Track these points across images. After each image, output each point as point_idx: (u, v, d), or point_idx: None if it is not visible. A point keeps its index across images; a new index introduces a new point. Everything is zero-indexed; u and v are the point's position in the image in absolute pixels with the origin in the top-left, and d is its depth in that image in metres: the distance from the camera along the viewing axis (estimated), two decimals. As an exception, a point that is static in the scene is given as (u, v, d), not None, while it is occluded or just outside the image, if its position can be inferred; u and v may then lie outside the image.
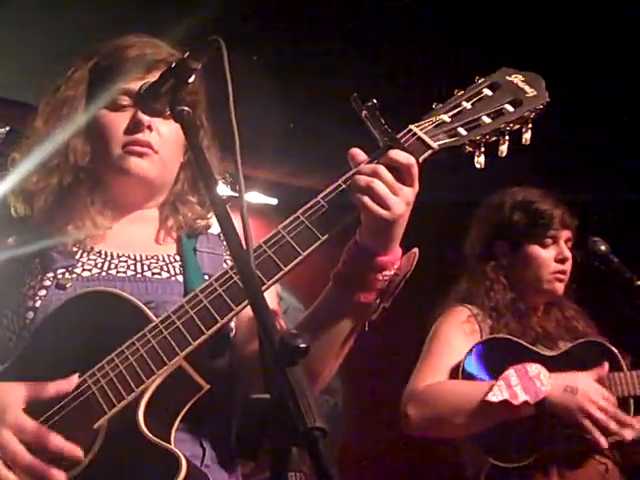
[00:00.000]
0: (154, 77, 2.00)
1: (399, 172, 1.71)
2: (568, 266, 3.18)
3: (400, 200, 1.71)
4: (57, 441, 1.65)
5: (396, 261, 1.79)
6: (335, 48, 4.54)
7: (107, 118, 2.03)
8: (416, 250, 1.82)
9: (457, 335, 2.99)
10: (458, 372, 2.88)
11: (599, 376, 2.82)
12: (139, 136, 2.00)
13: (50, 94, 2.11)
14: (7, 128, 3.11)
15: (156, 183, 2.08)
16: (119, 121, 2.01)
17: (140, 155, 2.00)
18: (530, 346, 2.95)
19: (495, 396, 2.66)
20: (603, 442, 2.72)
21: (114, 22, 2.12)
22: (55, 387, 1.69)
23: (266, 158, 5.26)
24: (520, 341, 2.95)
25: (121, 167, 2.00)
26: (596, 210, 3.27)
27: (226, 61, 1.59)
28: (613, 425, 2.71)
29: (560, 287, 3.17)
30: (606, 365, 2.88)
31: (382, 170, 1.71)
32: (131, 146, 2.00)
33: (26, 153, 2.05)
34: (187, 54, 1.68)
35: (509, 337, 2.96)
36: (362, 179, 1.71)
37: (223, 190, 1.88)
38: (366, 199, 1.69)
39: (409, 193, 1.73)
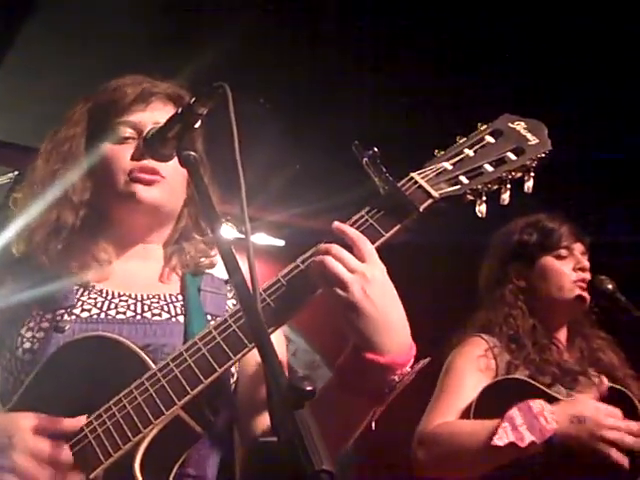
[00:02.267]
0: (154, 109, 2.06)
1: (350, 247, 1.67)
2: (588, 276, 3.11)
3: (356, 278, 1.62)
4: (70, 456, 1.65)
5: (395, 365, 1.65)
6: (342, 90, 4.56)
7: (111, 151, 2.04)
8: (427, 360, 1.73)
9: (471, 372, 2.92)
10: (470, 412, 2.81)
11: (600, 393, 2.76)
12: (145, 162, 2.00)
13: (51, 135, 2.13)
14: (16, 172, 3.13)
15: (164, 211, 2.08)
16: (123, 152, 2.03)
17: (147, 183, 2.01)
18: (545, 388, 2.85)
19: (501, 439, 2.59)
20: (624, 462, 2.64)
21: (119, 68, 2.14)
22: (63, 423, 1.68)
23: (273, 200, 5.28)
24: (534, 383, 2.86)
25: (128, 194, 2.00)
26: (600, 251, 3.22)
27: (231, 107, 1.58)
28: (628, 439, 2.65)
29: (585, 296, 3.08)
30: (604, 380, 2.82)
31: (336, 247, 1.66)
32: (137, 173, 2.00)
33: (27, 192, 2.06)
34: (193, 100, 1.69)
35: (523, 378, 2.87)
36: (317, 258, 1.67)
37: (229, 232, 1.87)
38: (322, 280, 1.65)
39: (366, 270, 1.63)
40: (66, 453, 1.65)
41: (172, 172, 2.03)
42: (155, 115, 2.04)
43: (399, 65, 4.29)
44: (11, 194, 2.14)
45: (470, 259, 3.36)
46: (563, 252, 3.11)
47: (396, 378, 1.66)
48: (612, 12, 3.90)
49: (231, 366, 1.70)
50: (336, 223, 1.70)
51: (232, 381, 1.97)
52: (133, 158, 2.02)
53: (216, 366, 1.67)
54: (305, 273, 1.70)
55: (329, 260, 1.64)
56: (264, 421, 1.92)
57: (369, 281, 1.63)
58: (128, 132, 2.04)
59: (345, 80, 4.50)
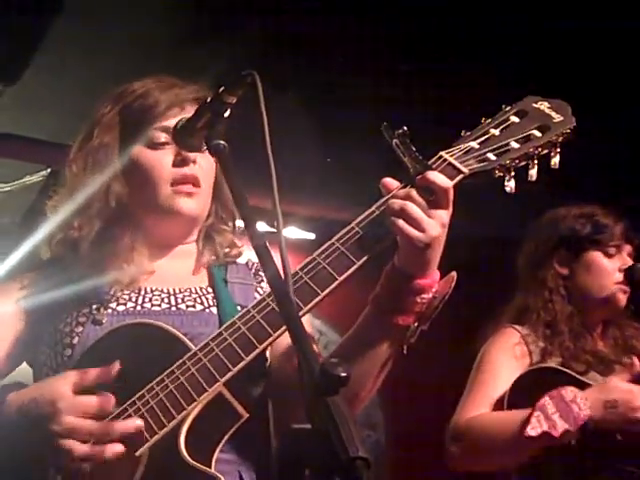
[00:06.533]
0: (188, 113, 2.03)
1: (434, 194, 1.74)
2: None
3: (435, 222, 1.73)
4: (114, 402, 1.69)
5: (434, 284, 1.80)
6: (370, 81, 4.57)
7: (149, 157, 2.07)
8: (454, 274, 1.83)
9: (505, 361, 2.91)
10: (503, 403, 2.80)
11: (632, 375, 2.74)
12: (186, 170, 2.04)
13: (82, 140, 2.14)
14: (48, 170, 3.18)
15: (200, 219, 2.14)
16: (162, 158, 2.06)
17: (189, 195, 2.05)
18: (579, 376, 2.83)
19: (534, 429, 2.56)
20: None
21: (145, 66, 2.17)
22: (96, 371, 1.71)
23: (304, 193, 5.30)
24: (568, 371, 2.84)
25: (171, 207, 2.04)
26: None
27: (261, 94, 1.61)
28: None
29: (623, 299, 3.05)
30: (636, 361, 2.80)
31: (416, 193, 1.74)
32: (180, 185, 2.04)
33: (65, 200, 2.08)
34: (222, 89, 1.71)
35: (556, 367, 2.86)
36: (397, 202, 1.74)
37: (262, 226, 1.89)
38: (401, 222, 1.72)
39: (444, 215, 1.75)
40: (112, 401, 1.68)
41: (207, 178, 2.09)
42: None
43: (431, 56, 4.30)
44: (45, 193, 2.16)
45: (501, 252, 3.38)
46: (612, 250, 3.07)
47: (428, 295, 1.80)
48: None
49: (271, 342, 1.74)
50: (433, 173, 1.76)
51: (266, 364, 1.99)
52: (174, 165, 2.05)
53: (256, 343, 1.71)
54: (380, 218, 1.78)
55: (411, 206, 1.72)
56: (295, 405, 1.96)
57: (444, 226, 1.76)
58: (164, 137, 2.06)
59: (376, 72, 4.51)
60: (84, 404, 1.67)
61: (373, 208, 1.79)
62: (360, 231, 1.77)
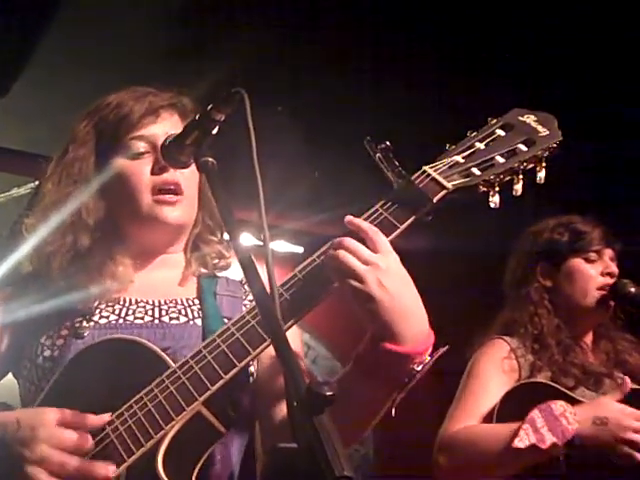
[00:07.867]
0: (163, 120, 2.07)
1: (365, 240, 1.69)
2: None
3: (370, 269, 1.64)
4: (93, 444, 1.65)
5: (414, 354, 1.66)
6: (360, 97, 4.57)
7: (128, 167, 2.04)
8: (446, 347, 1.72)
9: (495, 375, 2.89)
10: (492, 417, 2.79)
11: (623, 394, 2.72)
12: (167, 176, 2.02)
13: (58, 157, 2.13)
14: (36, 182, 3.18)
15: (186, 227, 2.12)
16: (142, 167, 2.04)
17: (171, 204, 2.02)
18: (568, 391, 2.82)
19: (522, 442, 2.56)
20: None
21: (134, 80, 2.16)
22: (88, 418, 1.68)
23: (292, 207, 5.30)
24: (557, 386, 2.83)
25: (155, 217, 2.02)
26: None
27: (248, 112, 1.60)
28: None
29: (608, 303, 3.03)
30: (628, 380, 2.77)
31: (348, 240, 1.68)
32: (161, 194, 2.02)
33: (41, 217, 2.06)
34: (210, 106, 1.69)
35: (545, 382, 2.84)
36: (330, 252, 1.69)
37: (248, 239, 1.87)
38: (337, 273, 1.67)
39: (379, 261, 1.65)
40: (90, 442, 1.65)
41: (190, 185, 2.07)
42: (165, 127, 2.05)
43: (418, 71, 4.31)
44: (26, 211, 2.15)
45: (490, 265, 3.36)
46: (593, 255, 3.06)
47: (415, 367, 1.67)
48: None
49: (250, 360, 1.71)
50: (349, 217, 1.72)
51: (252, 380, 1.97)
52: (153, 172, 2.03)
53: (235, 361, 1.68)
54: (321, 266, 1.72)
55: (342, 253, 1.66)
56: (281, 422, 1.93)
57: (384, 271, 1.64)
58: (142, 147, 2.04)
59: (363, 87, 4.52)
60: (62, 437, 1.64)
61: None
62: None
